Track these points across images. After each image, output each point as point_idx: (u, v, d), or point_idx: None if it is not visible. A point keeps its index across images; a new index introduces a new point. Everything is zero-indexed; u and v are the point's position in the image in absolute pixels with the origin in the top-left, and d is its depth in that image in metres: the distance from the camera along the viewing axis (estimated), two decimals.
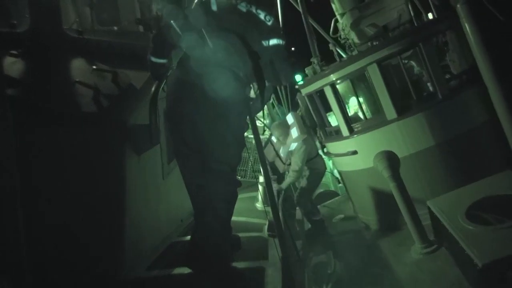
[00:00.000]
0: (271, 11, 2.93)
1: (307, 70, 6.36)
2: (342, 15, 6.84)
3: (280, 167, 6.34)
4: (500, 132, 4.82)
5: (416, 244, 4.80)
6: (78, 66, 3.20)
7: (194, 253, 2.88)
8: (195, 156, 2.86)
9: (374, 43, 5.15)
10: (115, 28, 4.62)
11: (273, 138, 6.19)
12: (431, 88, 5.58)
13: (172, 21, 2.60)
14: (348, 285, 4.75)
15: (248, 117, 3.01)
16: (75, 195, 2.57)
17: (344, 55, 6.41)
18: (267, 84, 2.96)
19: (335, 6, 6.93)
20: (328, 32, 7.39)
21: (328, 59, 6.70)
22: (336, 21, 7.14)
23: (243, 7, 2.81)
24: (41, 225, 2.29)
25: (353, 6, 6.29)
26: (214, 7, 2.75)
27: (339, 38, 6.07)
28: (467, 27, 4.65)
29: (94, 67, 3.14)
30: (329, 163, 8.67)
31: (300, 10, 5.86)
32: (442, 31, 5.05)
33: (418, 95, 5.15)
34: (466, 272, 3.94)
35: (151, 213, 2.96)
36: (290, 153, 5.89)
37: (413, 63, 6.38)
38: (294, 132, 5.80)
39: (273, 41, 2.84)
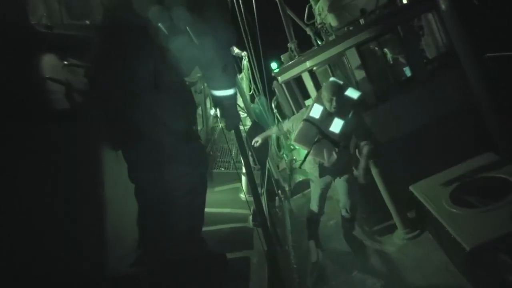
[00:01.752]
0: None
1: (283, 57, 6.20)
2: (316, 0, 6.74)
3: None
4: (476, 115, 4.84)
5: (399, 230, 4.79)
6: (48, 62, 3.00)
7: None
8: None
9: (351, 28, 5.03)
10: (87, 22, 4.38)
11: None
12: (406, 72, 5.56)
13: (159, 24, 2.32)
14: (332, 273, 4.69)
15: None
16: (49, 193, 2.41)
17: (320, 42, 6.29)
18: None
19: None
20: (302, 19, 7.28)
21: (303, 47, 6.58)
22: (310, 7, 7.03)
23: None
24: (14, 225, 2.15)
25: None
26: None
27: (315, 23, 5.94)
28: (444, 8, 4.59)
29: (65, 62, 2.95)
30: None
31: None
32: (420, 14, 4.99)
33: (397, 79, 5.09)
34: (452, 256, 3.93)
35: (133, 209, 2.78)
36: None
37: (386, 50, 6.34)
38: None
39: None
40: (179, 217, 2.56)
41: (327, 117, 4.10)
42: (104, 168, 2.87)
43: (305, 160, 4.51)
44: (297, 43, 5.60)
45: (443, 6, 4.68)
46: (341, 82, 4.23)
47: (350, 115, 4.05)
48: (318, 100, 4.19)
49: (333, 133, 4.08)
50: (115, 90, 2.37)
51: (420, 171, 4.83)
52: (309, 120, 4.17)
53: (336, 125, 4.06)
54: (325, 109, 4.10)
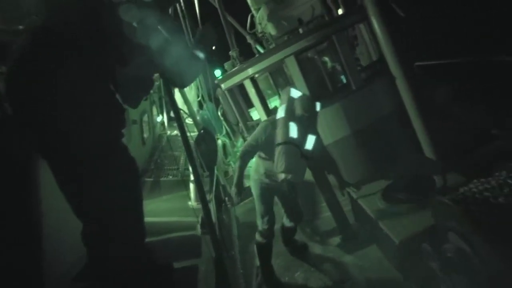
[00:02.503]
0: None
1: (227, 65, 6.31)
2: (258, 10, 6.94)
3: None
4: (406, 119, 5.20)
5: (339, 231, 5.01)
6: None
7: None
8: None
9: (291, 36, 5.24)
10: (20, 27, 4.20)
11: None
12: (343, 79, 5.86)
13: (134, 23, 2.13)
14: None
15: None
16: None
17: (262, 50, 6.48)
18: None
19: (251, 1, 7.01)
20: (245, 28, 7.46)
21: (247, 55, 6.73)
22: (253, 16, 7.22)
23: None
24: None
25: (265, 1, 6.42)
26: None
27: (256, 32, 6.11)
28: (373, 20, 4.91)
29: None
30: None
31: (217, 5, 5.78)
32: (352, 24, 5.31)
33: (334, 86, 5.36)
34: (386, 250, 4.19)
35: (74, 220, 2.62)
36: None
37: (326, 58, 6.66)
38: None
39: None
40: (115, 232, 2.25)
41: (302, 134, 3.85)
42: (38, 180, 2.69)
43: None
44: (240, 51, 5.73)
45: (372, 18, 5.02)
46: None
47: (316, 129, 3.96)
48: (291, 117, 3.87)
49: (307, 151, 3.87)
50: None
51: (357, 172, 5.12)
52: (291, 142, 3.75)
53: (310, 142, 3.90)
54: (301, 126, 3.83)
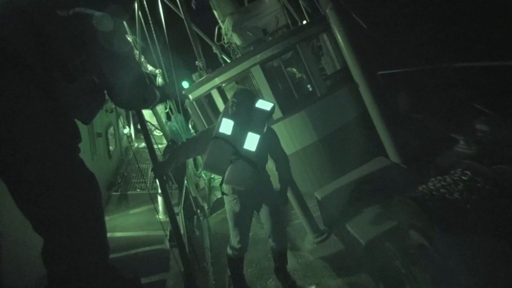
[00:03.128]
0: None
1: (194, 76, 6.34)
2: (224, 21, 7.04)
3: None
4: (370, 125, 5.36)
5: (309, 235, 5.06)
6: None
7: None
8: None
9: (255, 46, 5.34)
10: None
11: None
12: (309, 88, 5.99)
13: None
14: (249, 283, 4.77)
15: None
16: None
17: (229, 60, 6.55)
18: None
19: (217, 13, 7.11)
20: (213, 40, 7.53)
21: (214, 66, 6.79)
22: (220, 28, 7.31)
23: None
24: None
25: (233, 10, 6.52)
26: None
27: (223, 43, 6.18)
28: (335, 30, 5.09)
29: None
30: None
31: (182, 16, 5.82)
32: (315, 34, 5.46)
33: (300, 94, 5.48)
34: (354, 252, 4.26)
35: (36, 238, 2.48)
36: None
37: (294, 69, 6.81)
38: None
39: (75, 9, 2.00)
40: (75, 249, 2.15)
41: (240, 132, 3.41)
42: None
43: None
44: (207, 62, 5.77)
45: (335, 28, 5.20)
46: (250, 90, 3.94)
47: (265, 130, 3.47)
48: (226, 114, 3.54)
49: (248, 151, 3.38)
50: None
51: (325, 177, 5.21)
52: (220, 137, 3.39)
53: (251, 141, 3.39)
54: (236, 123, 3.43)
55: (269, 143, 3.62)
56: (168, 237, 4.67)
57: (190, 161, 9.25)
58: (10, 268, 2.69)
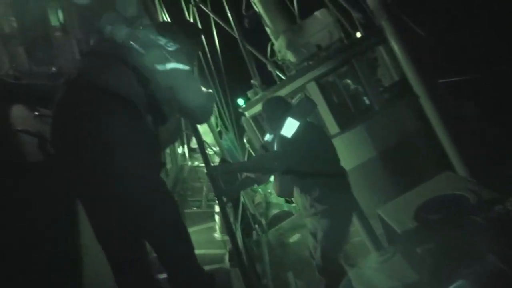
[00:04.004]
0: (177, 39, 2.62)
1: (249, 94, 6.45)
2: (277, 38, 7.11)
3: None
4: (432, 137, 5.12)
5: (372, 253, 4.90)
6: (19, 114, 2.95)
7: None
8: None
9: (310, 62, 5.33)
10: (53, 68, 4.46)
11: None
12: (367, 102, 5.86)
13: (131, 42, 2.45)
14: None
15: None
16: (19, 251, 2.35)
17: (283, 77, 6.59)
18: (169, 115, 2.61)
19: (270, 30, 7.20)
20: (266, 56, 7.63)
21: (268, 82, 6.87)
22: (272, 44, 7.39)
23: (140, 33, 2.58)
24: None
25: (285, 27, 6.57)
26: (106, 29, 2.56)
27: (276, 60, 6.24)
28: (392, 41, 4.95)
29: (36, 113, 2.92)
30: None
31: (236, 35, 5.97)
32: (371, 47, 5.35)
33: (357, 108, 5.37)
34: (421, 272, 4.06)
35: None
36: None
37: (348, 81, 6.70)
38: None
39: (170, 65, 2.51)
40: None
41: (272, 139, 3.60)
42: (80, 224, 2.76)
43: None
44: (263, 79, 5.87)
45: (391, 39, 5.06)
46: (280, 98, 3.90)
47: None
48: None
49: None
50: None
51: (386, 194, 5.04)
52: (264, 146, 3.72)
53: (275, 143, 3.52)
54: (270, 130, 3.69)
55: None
56: (228, 256, 4.70)
57: None
58: (90, 281, 2.85)
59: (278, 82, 5.38)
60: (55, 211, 2.63)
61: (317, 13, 5.54)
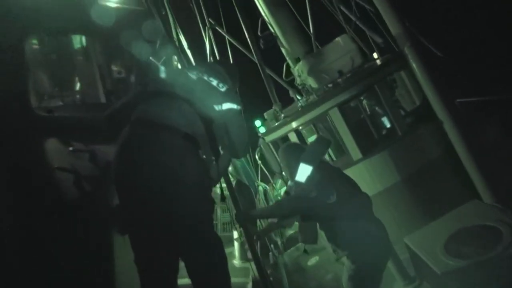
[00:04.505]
0: (225, 80, 2.95)
1: (266, 115, 6.44)
2: (296, 60, 7.11)
3: None
4: (456, 162, 5.07)
5: (398, 281, 4.84)
6: (54, 149, 2.97)
7: None
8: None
9: (332, 88, 5.32)
10: (77, 96, 4.50)
11: None
12: (385, 123, 5.82)
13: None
14: None
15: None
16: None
17: (299, 98, 6.57)
18: (222, 152, 2.92)
19: (285, 51, 7.21)
20: (280, 75, 7.64)
21: (284, 100, 6.86)
22: (288, 65, 7.40)
23: (193, 75, 2.92)
24: None
25: (302, 51, 6.58)
26: (163, 74, 2.99)
27: (296, 84, 6.24)
28: (415, 67, 4.94)
29: (71, 148, 2.94)
30: None
31: (256, 60, 5.99)
32: (392, 72, 5.34)
33: (378, 133, 5.35)
34: None
35: None
36: None
37: (364, 101, 6.67)
38: None
39: (226, 105, 2.80)
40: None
41: None
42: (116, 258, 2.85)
43: None
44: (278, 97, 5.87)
45: (413, 64, 5.05)
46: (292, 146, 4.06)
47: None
48: None
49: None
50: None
51: (410, 220, 4.99)
52: None
53: None
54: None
55: None
56: (251, 285, 4.56)
57: (261, 195, 9.32)
58: None
59: (299, 107, 5.34)
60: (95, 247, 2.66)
61: (338, 39, 5.54)
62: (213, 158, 2.77)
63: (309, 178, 3.35)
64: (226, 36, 7.52)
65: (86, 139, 3.23)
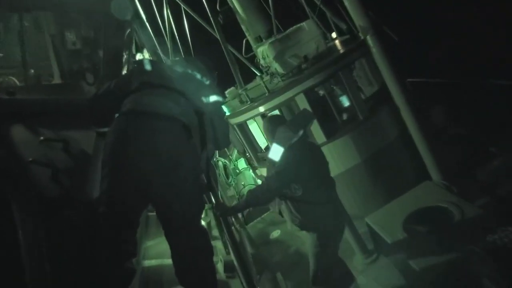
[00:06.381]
0: (206, 73, 3.07)
1: (228, 94, 6.44)
2: (254, 38, 7.07)
3: None
4: (410, 143, 5.50)
5: (358, 255, 5.28)
6: (23, 139, 2.68)
7: None
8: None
9: (294, 72, 5.42)
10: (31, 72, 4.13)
11: None
12: (344, 102, 6.08)
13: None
14: None
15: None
16: None
17: (258, 73, 6.61)
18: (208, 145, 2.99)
19: (244, 27, 7.14)
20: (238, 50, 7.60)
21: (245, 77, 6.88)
22: (248, 41, 7.35)
23: (178, 68, 3.02)
24: None
25: (263, 30, 6.57)
26: (148, 67, 2.90)
27: (260, 66, 6.26)
28: (376, 55, 5.18)
29: (41, 137, 2.66)
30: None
31: (218, 37, 5.91)
32: (356, 59, 5.54)
33: (340, 116, 5.61)
34: (406, 276, 4.49)
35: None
36: None
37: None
38: None
39: (213, 98, 2.94)
40: None
41: None
42: None
43: None
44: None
45: (374, 50, 5.28)
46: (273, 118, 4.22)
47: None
48: None
49: None
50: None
51: (368, 199, 5.41)
52: None
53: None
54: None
55: None
56: (222, 266, 4.67)
57: (222, 169, 9.42)
58: None
59: (267, 92, 5.41)
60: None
61: (303, 24, 5.59)
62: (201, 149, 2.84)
63: (282, 158, 3.64)
64: (183, 7, 7.29)
65: (55, 125, 2.98)
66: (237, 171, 9.82)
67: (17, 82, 4.00)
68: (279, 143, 3.67)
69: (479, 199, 4.73)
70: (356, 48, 5.34)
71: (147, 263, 3.96)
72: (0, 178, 2.23)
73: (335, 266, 4.19)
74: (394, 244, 4.49)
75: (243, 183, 9.32)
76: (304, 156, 3.77)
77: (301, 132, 3.75)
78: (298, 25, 5.66)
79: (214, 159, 9.22)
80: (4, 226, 2.05)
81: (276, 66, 5.49)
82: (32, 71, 4.27)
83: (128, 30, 4.69)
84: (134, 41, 5.87)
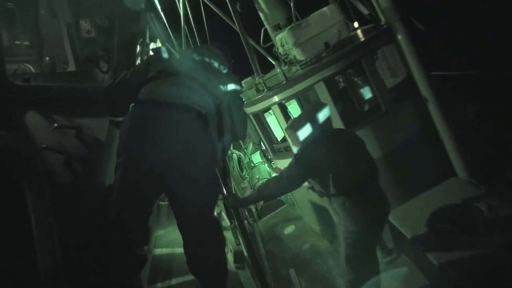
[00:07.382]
0: (224, 62, 3.07)
1: (245, 84, 6.24)
2: (273, 27, 6.85)
3: None
4: (435, 138, 5.20)
5: (377, 253, 5.02)
6: (37, 126, 2.72)
7: None
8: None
9: (314, 60, 5.18)
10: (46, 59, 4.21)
11: None
12: (365, 94, 5.80)
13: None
14: None
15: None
16: None
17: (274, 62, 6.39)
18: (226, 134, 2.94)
19: (263, 16, 6.91)
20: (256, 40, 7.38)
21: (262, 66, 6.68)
22: (266, 30, 7.12)
23: (196, 56, 2.96)
24: None
25: (282, 17, 6.33)
26: (165, 55, 2.87)
27: (274, 51, 6.04)
28: (402, 42, 4.89)
29: (55, 124, 2.68)
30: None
31: (237, 29, 5.71)
32: (380, 47, 5.26)
33: (362, 107, 5.34)
34: (427, 274, 4.23)
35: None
36: None
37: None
38: None
39: (231, 86, 2.92)
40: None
41: None
42: None
43: None
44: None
45: (400, 37, 5.00)
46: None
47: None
48: None
49: None
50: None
51: (390, 196, 5.12)
52: None
53: None
54: None
55: None
56: (232, 257, 4.56)
57: (236, 164, 9.26)
58: None
59: (284, 80, 5.18)
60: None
61: (325, 9, 5.32)
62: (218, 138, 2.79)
63: (294, 155, 3.59)
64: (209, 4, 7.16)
65: (69, 113, 3.00)
66: (252, 164, 9.65)
67: (33, 69, 4.18)
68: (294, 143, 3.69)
69: (510, 198, 4.41)
70: (380, 35, 5.05)
71: (158, 251, 4.00)
72: (14, 164, 2.22)
73: (365, 260, 3.89)
74: (416, 241, 4.23)
75: (257, 176, 9.15)
76: (316, 152, 3.57)
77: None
78: (319, 10, 5.40)
79: (229, 152, 9.09)
80: (17, 212, 1.96)
81: (296, 53, 5.25)
82: (47, 58, 4.46)
83: (142, 19, 4.71)
84: (148, 30, 5.80)
